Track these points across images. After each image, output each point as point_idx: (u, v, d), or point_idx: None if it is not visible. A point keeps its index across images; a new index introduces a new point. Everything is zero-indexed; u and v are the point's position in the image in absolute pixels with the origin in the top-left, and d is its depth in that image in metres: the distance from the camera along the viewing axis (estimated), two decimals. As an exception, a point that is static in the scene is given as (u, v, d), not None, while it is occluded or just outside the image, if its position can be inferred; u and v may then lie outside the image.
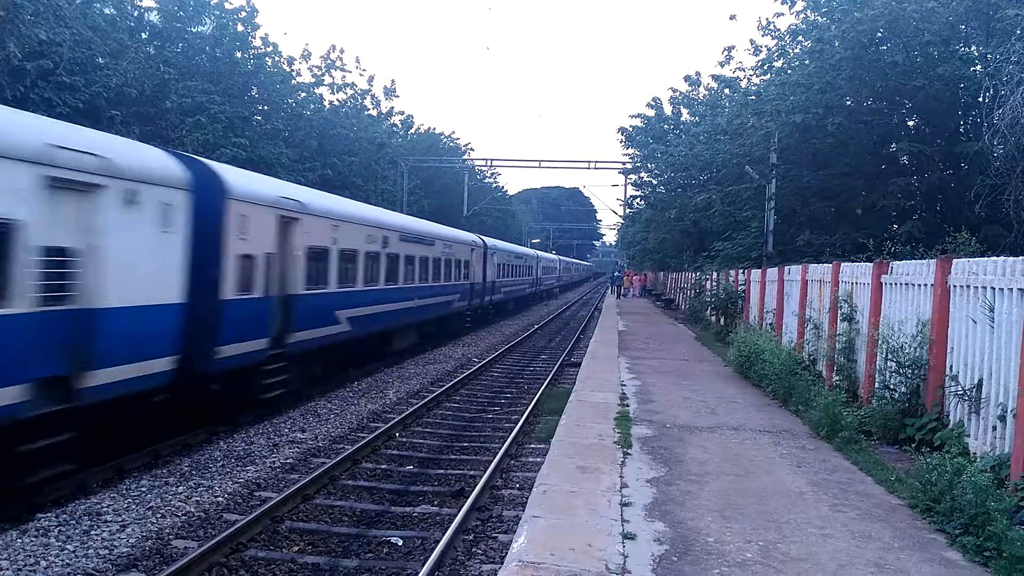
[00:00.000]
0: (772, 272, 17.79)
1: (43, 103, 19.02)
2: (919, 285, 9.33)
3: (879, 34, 17.52)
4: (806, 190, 21.84)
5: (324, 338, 15.04)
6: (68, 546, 7.04)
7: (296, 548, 7.42)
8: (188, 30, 28.99)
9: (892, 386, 9.42)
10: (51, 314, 7.99)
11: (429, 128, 60.48)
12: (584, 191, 76.90)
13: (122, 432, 9.77)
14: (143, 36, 27.19)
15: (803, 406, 10.62)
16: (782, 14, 22.95)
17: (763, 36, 25.17)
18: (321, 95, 39.37)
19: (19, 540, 7.07)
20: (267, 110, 33.93)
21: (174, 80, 24.38)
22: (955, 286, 8.44)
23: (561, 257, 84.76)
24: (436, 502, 8.95)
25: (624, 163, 46.30)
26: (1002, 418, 7.11)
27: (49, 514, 7.81)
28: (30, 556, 6.76)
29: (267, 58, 34.12)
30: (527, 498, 7.00)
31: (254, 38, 32.69)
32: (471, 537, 7.68)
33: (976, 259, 8.30)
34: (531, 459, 10.58)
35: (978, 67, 17.46)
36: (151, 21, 27.78)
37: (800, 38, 22.33)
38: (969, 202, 15.78)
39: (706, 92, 36.74)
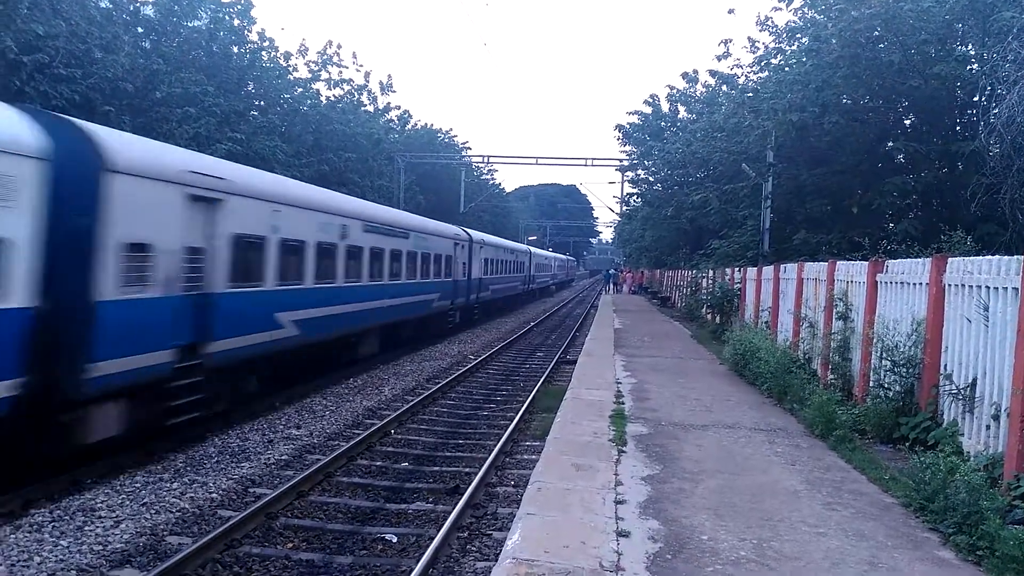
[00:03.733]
0: (768, 270, 17.81)
1: (39, 96, 18.95)
2: (914, 284, 9.35)
3: (876, 32, 17.50)
4: (802, 188, 21.84)
5: (258, 346, 12.68)
6: (62, 542, 7.03)
7: (290, 544, 7.41)
8: (184, 24, 28.88)
9: (887, 385, 9.44)
10: None
11: (426, 124, 60.37)
12: (581, 188, 76.60)
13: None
14: (139, 31, 27.07)
15: (798, 404, 10.63)
16: (780, 9, 22.94)
17: (760, 32, 25.16)
18: (318, 91, 39.27)
19: (12, 536, 7.06)
20: (263, 105, 33.80)
21: (165, 72, 24.20)
22: (950, 285, 8.46)
23: (557, 255, 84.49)
24: (431, 499, 8.95)
25: (621, 160, 46.29)
26: (996, 417, 7.13)
27: (43, 510, 7.80)
28: (24, 552, 6.74)
29: (263, 52, 34.00)
30: (522, 495, 7.01)
31: (250, 32, 32.59)
32: (466, 534, 7.68)
33: (971, 258, 8.33)
34: (526, 456, 10.59)
35: (974, 66, 17.47)
36: (147, 15, 27.66)
37: (798, 35, 22.33)
38: (965, 201, 15.79)
39: (703, 89, 36.70)
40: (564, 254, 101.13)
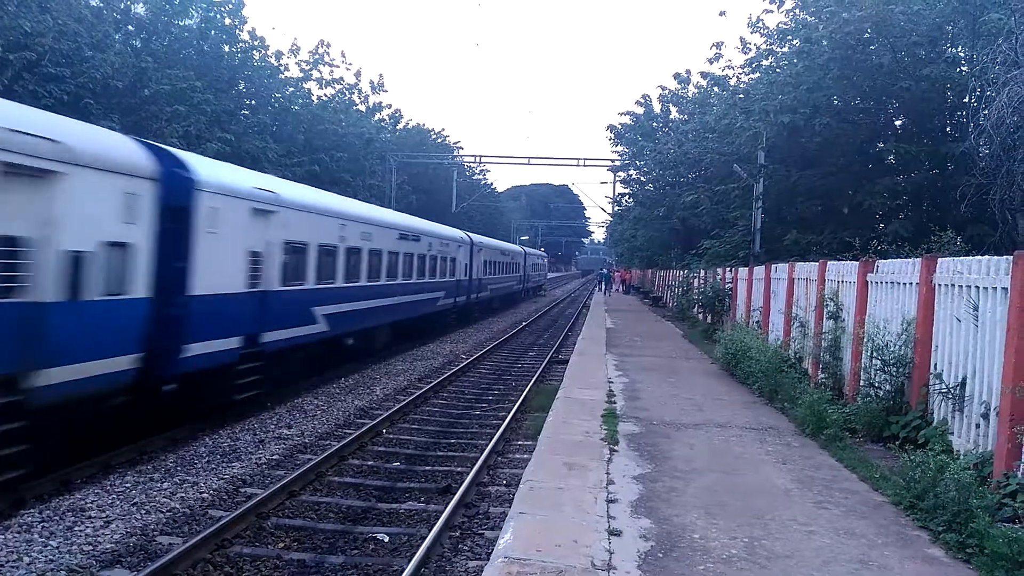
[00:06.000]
0: (759, 270, 17.86)
1: (28, 95, 18.80)
2: (904, 284, 9.40)
3: (866, 34, 17.59)
4: (793, 189, 21.93)
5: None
6: (51, 542, 6.98)
7: (282, 544, 7.38)
8: (175, 23, 28.78)
9: (877, 384, 9.49)
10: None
11: (418, 124, 60.33)
12: (573, 188, 77.01)
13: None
14: (129, 28, 26.94)
15: (789, 403, 10.67)
16: (771, 11, 23.08)
17: (752, 34, 25.25)
18: (309, 90, 39.19)
19: (1, 536, 7.00)
20: (254, 104, 33.70)
21: (153, 69, 24.04)
22: (940, 285, 8.50)
23: (541, 252, 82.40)
24: (423, 499, 8.93)
25: (613, 161, 46.38)
26: (985, 416, 7.17)
27: (32, 510, 7.74)
28: (12, 552, 6.69)
29: (254, 52, 33.90)
30: (514, 495, 7.00)
31: (241, 31, 32.49)
32: (457, 533, 7.66)
33: (961, 258, 8.38)
34: (518, 456, 10.58)
35: (964, 68, 17.58)
36: (137, 14, 27.52)
37: (789, 37, 22.42)
38: (955, 201, 15.88)
39: (695, 90, 36.78)
40: (535, 249, 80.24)
